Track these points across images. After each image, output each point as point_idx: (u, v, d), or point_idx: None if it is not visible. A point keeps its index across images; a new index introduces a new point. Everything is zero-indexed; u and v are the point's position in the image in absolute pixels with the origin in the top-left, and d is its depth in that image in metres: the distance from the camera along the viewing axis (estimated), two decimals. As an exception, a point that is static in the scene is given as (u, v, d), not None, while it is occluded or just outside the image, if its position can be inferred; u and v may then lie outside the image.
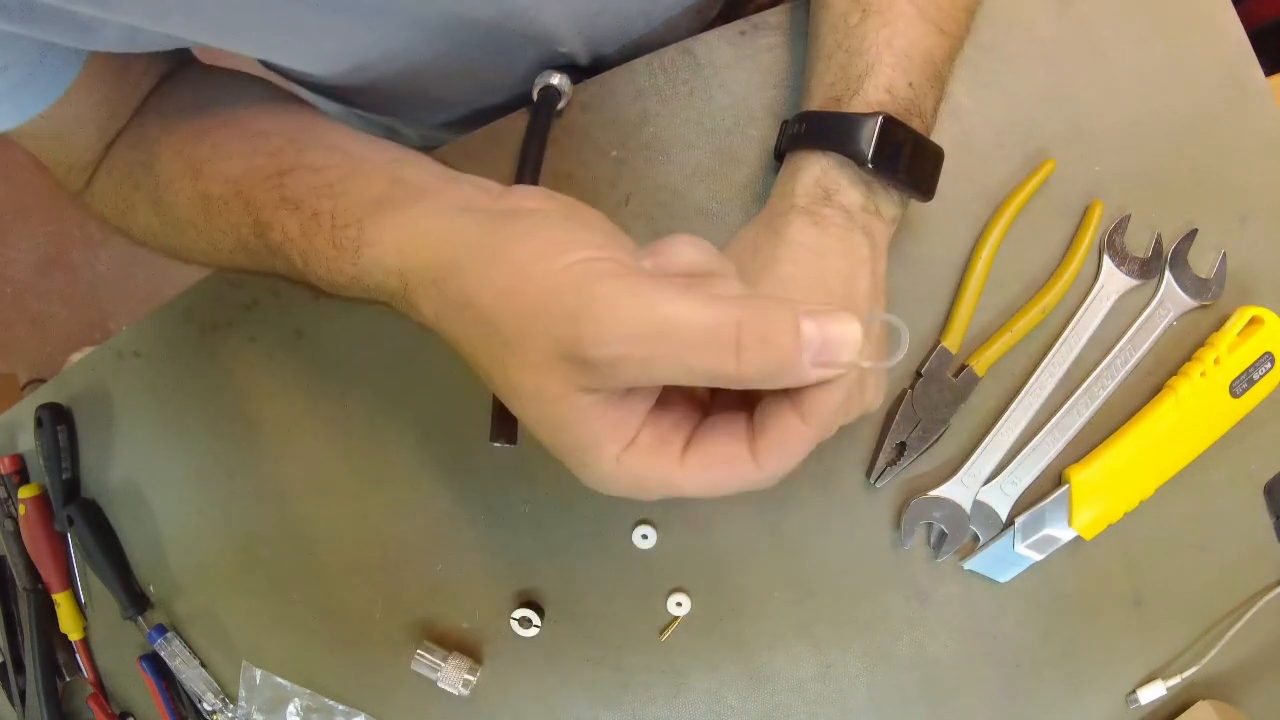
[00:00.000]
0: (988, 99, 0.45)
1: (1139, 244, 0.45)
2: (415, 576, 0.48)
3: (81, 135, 0.40)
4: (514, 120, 0.47)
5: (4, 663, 0.53)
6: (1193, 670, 0.45)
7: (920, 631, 0.47)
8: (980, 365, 0.44)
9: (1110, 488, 0.44)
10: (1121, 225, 0.45)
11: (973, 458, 0.45)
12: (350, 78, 0.43)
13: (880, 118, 0.37)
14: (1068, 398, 0.45)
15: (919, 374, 0.45)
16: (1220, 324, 0.45)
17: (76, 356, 1.47)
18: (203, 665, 0.51)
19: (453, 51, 0.43)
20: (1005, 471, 0.45)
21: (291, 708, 0.50)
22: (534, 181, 0.45)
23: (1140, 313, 0.45)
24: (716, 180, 0.46)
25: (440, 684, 0.47)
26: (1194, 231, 0.45)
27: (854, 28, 0.39)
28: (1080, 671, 0.46)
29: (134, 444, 0.51)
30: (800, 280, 0.37)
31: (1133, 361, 0.45)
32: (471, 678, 0.47)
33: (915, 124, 0.38)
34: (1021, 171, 0.45)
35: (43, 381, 0.79)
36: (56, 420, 0.51)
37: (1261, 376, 0.44)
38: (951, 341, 0.44)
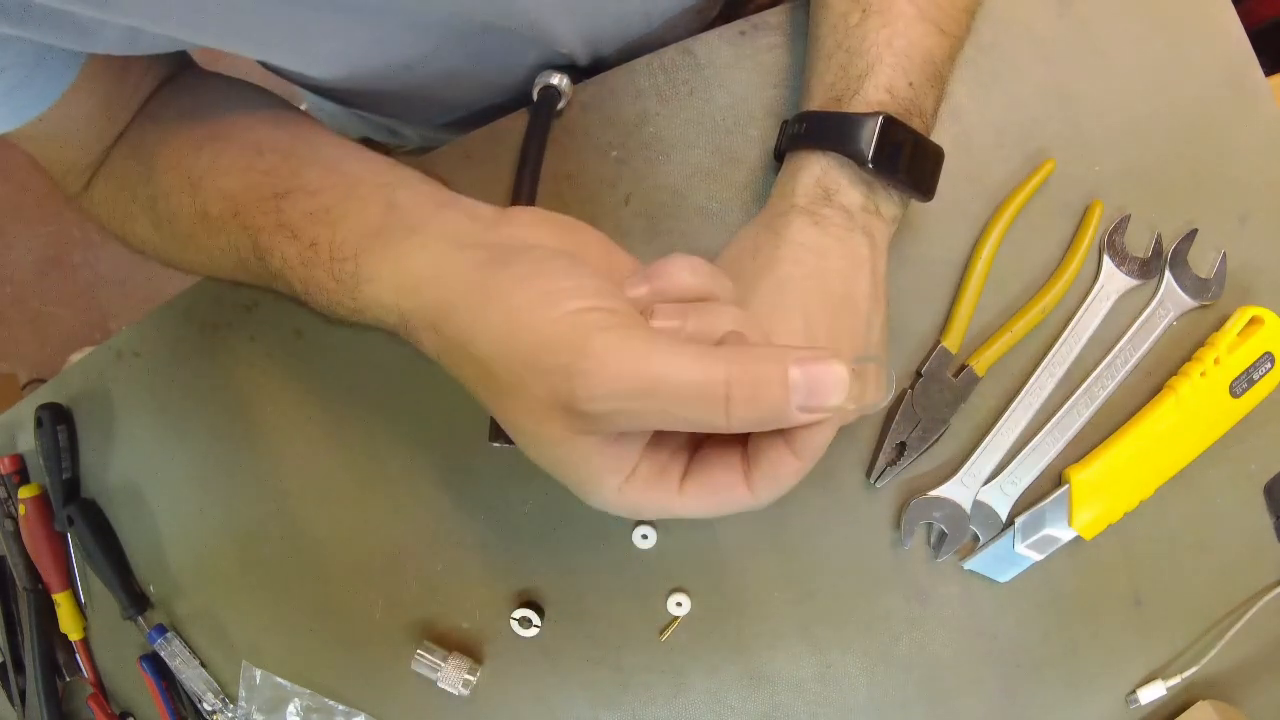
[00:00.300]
0: (988, 99, 0.45)
1: (1139, 244, 0.45)
2: (415, 576, 0.48)
3: (79, 138, 0.40)
4: (514, 120, 0.47)
5: (4, 663, 0.53)
6: (1193, 670, 0.45)
7: (920, 631, 0.47)
8: (980, 365, 0.44)
9: (1110, 488, 0.44)
10: (1121, 225, 0.45)
11: (973, 458, 0.45)
12: (350, 79, 0.43)
13: (880, 118, 0.37)
14: (1068, 398, 0.45)
15: (919, 374, 0.45)
16: (1220, 324, 0.45)
17: (76, 356, 1.47)
18: (203, 665, 0.51)
19: (452, 53, 0.43)
20: (1005, 471, 0.45)
21: (291, 708, 0.50)
22: (534, 182, 0.45)
23: (1140, 313, 0.45)
24: (716, 180, 0.46)
25: (440, 684, 0.47)
26: (1194, 231, 0.45)
27: (854, 28, 0.39)
28: (1080, 671, 0.46)
29: (134, 444, 0.51)
30: (800, 281, 0.37)
31: (1133, 361, 0.45)
32: (471, 678, 0.47)
33: (915, 124, 0.38)
34: (1021, 171, 0.45)
35: (43, 381, 0.79)
36: (56, 420, 0.51)
37: (1261, 376, 0.44)
38: (951, 341, 0.44)
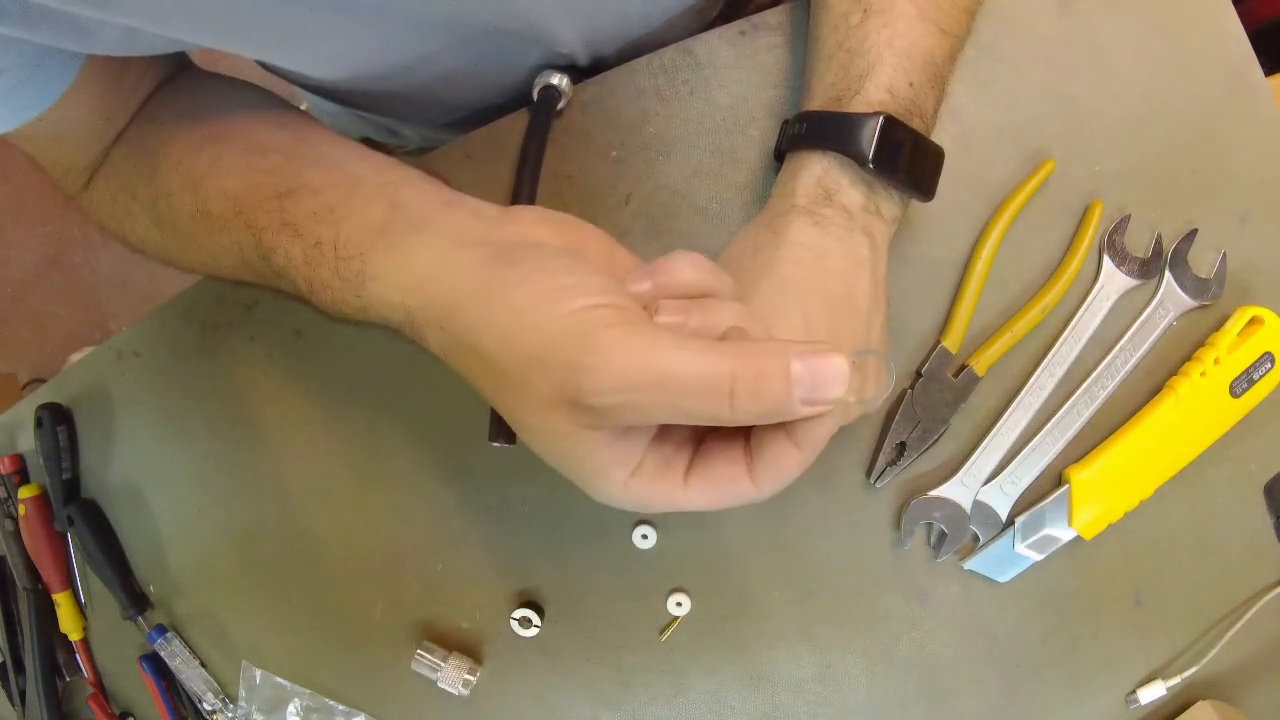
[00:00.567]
0: (988, 99, 0.45)
1: (1139, 244, 0.45)
2: (415, 576, 0.48)
3: (78, 138, 0.40)
4: (514, 120, 0.47)
5: (4, 663, 0.53)
6: (1193, 670, 0.45)
7: (920, 631, 0.47)
8: (980, 365, 0.44)
9: (1110, 488, 0.44)
10: (1121, 225, 0.45)
11: (973, 458, 0.45)
12: (351, 80, 0.43)
13: (881, 118, 0.37)
14: (1068, 398, 0.45)
15: (919, 374, 0.45)
16: (1220, 324, 0.45)
17: (76, 356, 1.47)
18: (203, 665, 0.51)
19: (452, 53, 0.43)
20: (1005, 471, 0.45)
21: (291, 708, 0.50)
22: (534, 182, 0.45)
23: (1140, 313, 0.45)
24: (716, 180, 0.46)
25: (440, 684, 0.47)
26: (1194, 231, 0.45)
27: (855, 28, 0.39)
28: (1080, 671, 0.46)
29: (134, 444, 0.51)
30: (800, 281, 0.37)
31: (1133, 361, 0.45)
32: (471, 678, 0.47)
33: (916, 124, 0.38)
34: (1021, 171, 0.45)
35: (43, 381, 0.79)
36: (56, 420, 0.51)
37: (1261, 376, 0.44)
38: (951, 341, 0.44)
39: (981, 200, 0.45)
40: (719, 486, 0.30)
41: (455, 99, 0.52)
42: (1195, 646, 0.46)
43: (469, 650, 0.48)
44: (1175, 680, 0.45)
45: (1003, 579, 0.46)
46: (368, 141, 0.69)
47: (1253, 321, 0.44)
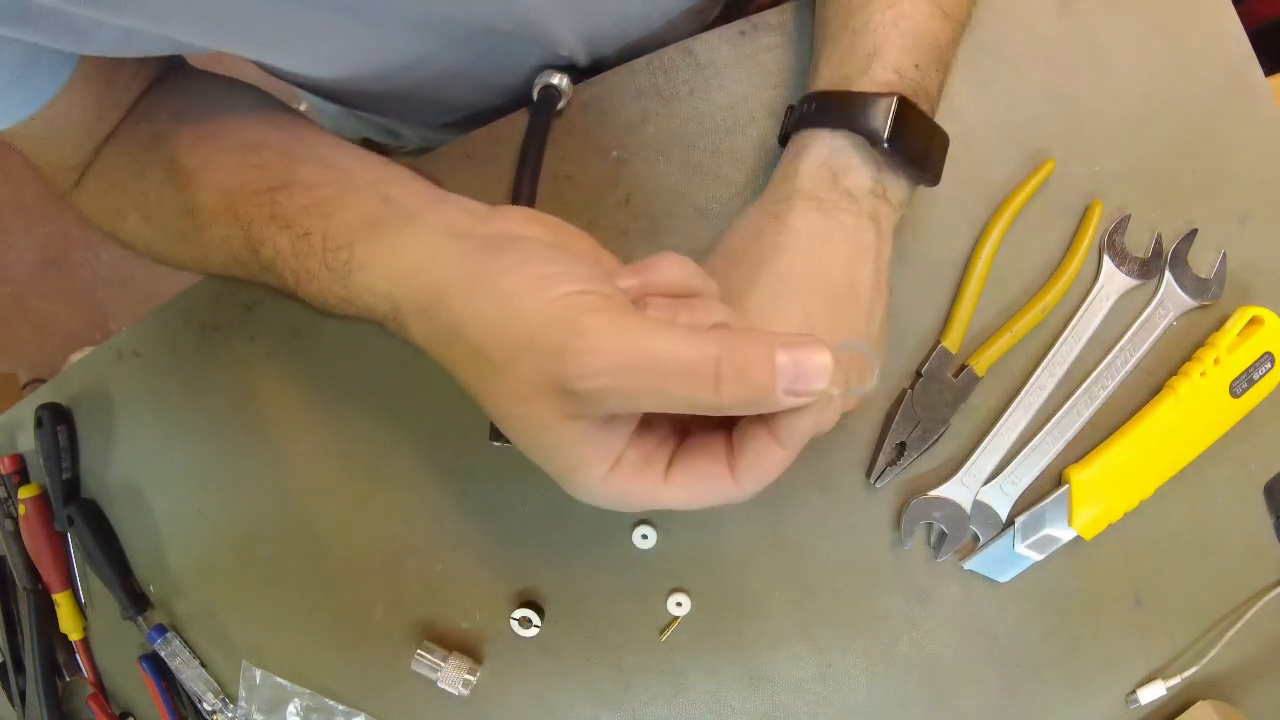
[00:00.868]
0: (988, 99, 0.45)
1: (1139, 244, 0.45)
2: (415, 576, 0.48)
3: (71, 137, 0.40)
4: (514, 120, 0.47)
5: (4, 663, 0.53)
6: (1193, 670, 0.45)
7: (920, 631, 0.47)
8: (980, 365, 0.44)
9: (1110, 488, 0.44)
10: (1121, 225, 0.45)
11: (973, 458, 0.45)
12: (350, 80, 0.43)
13: (896, 96, 0.36)
14: (1068, 398, 0.45)
15: (919, 374, 0.45)
16: (1220, 324, 0.45)
17: (76, 356, 1.47)
18: (203, 665, 0.51)
19: (452, 52, 0.43)
20: (1005, 471, 0.45)
21: (291, 708, 0.50)
22: (534, 182, 0.45)
23: (1140, 313, 0.45)
24: (716, 180, 0.46)
25: (440, 684, 0.47)
26: (1194, 231, 0.45)
27: (859, 9, 0.39)
28: (1080, 671, 0.46)
29: (134, 444, 0.51)
30: (800, 274, 0.37)
31: (1133, 361, 0.45)
32: (471, 678, 0.47)
33: (923, 106, 0.38)
34: (1021, 171, 0.45)
35: (43, 381, 0.79)
36: (56, 420, 0.51)
37: (1261, 376, 0.44)
38: (951, 341, 0.44)
39: (981, 200, 0.45)
40: (700, 483, 0.30)
41: (455, 99, 0.52)
42: (1195, 646, 0.46)
43: (469, 650, 0.48)
44: (1175, 680, 0.45)
45: (1003, 579, 0.46)
46: (367, 142, 0.69)
47: (1253, 321, 0.44)
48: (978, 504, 0.45)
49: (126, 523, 0.51)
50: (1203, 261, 0.45)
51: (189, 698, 0.51)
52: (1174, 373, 0.45)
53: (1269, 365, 0.44)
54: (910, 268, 0.45)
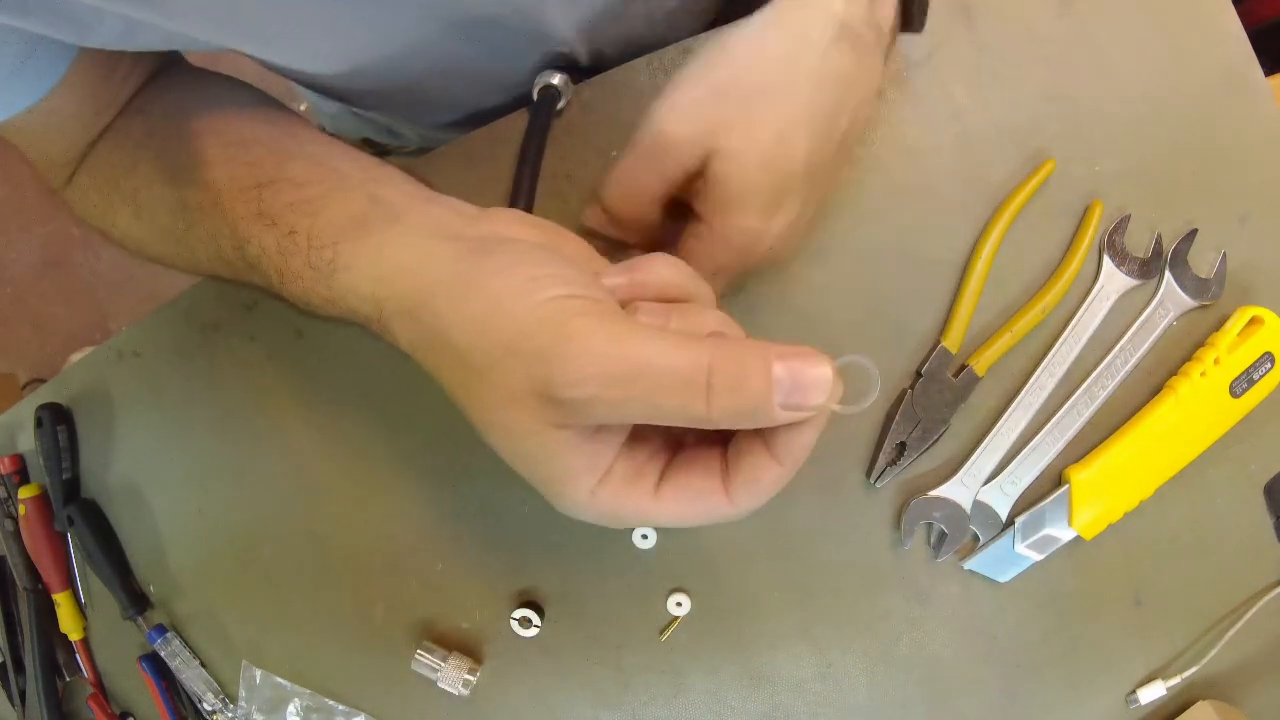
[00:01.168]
0: (988, 99, 0.45)
1: (1139, 244, 0.45)
2: (415, 576, 0.48)
3: (65, 132, 0.40)
4: (514, 120, 0.47)
5: (4, 663, 0.53)
6: (1193, 670, 0.45)
7: (920, 631, 0.47)
8: (980, 365, 0.44)
9: (1110, 488, 0.44)
10: (1121, 225, 0.45)
11: (973, 458, 0.45)
12: (350, 77, 0.43)
13: None
14: (1068, 398, 0.45)
15: (919, 374, 0.45)
16: (1220, 324, 0.45)
17: (76, 356, 1.47)
18: (203, 665, 0.51)
19: (453, 49, 0.43)
20: (1005, 471, 0.45)
21: (291, 708, 0.50)
22: (534, 182, 0.45)
23: (1140, 313, 0.45)
24: (716, 180, 0.46)
25: (440, 684, 0.47)
26: (1194, 231, 0.45)
27: None
28: (1080, 671, 0.46)
29: (134, 444, 0.51)
30: (819, 113, 0.34)
31: (1133, 361, 0.45)
32: (471, 678, 0.47)
33: None
34: (1021, 171, 0.45)
35: (43, 381, 0.79)
36: (56, 420, 0.51)
37: (1261, 376, 0.44)
38: (951, 341, 0.44)
39: (981, 200, 0.45)
40: (693, 499, 0.28)
41: (455, 98, 0.52)
42: (1195, 646, 0.46)
43: (469, 650, 0.48)
44: (1175, 680, 0.45)
45: (1003, 579, 0.46)
46: (367, 142, 0.69)
47: (1253, 321, 0.44)
48: (978, 504, 0.45)
49: (126, 523, 0.51)
50: (1203, 261, 0.45)
51: (189, 698, 0.51)
52: (1174, 373, 0.45)
53: (1269, 365, 0.44)
54: (910, 268, 0.45)
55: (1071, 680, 0.47)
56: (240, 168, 0.37)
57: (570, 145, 0.47)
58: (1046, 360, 0.45)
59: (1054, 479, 0.46)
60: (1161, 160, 0.45)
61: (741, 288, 0.45)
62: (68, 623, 0.52)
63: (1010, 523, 0.45)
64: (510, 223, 0.34)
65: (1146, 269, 0.45)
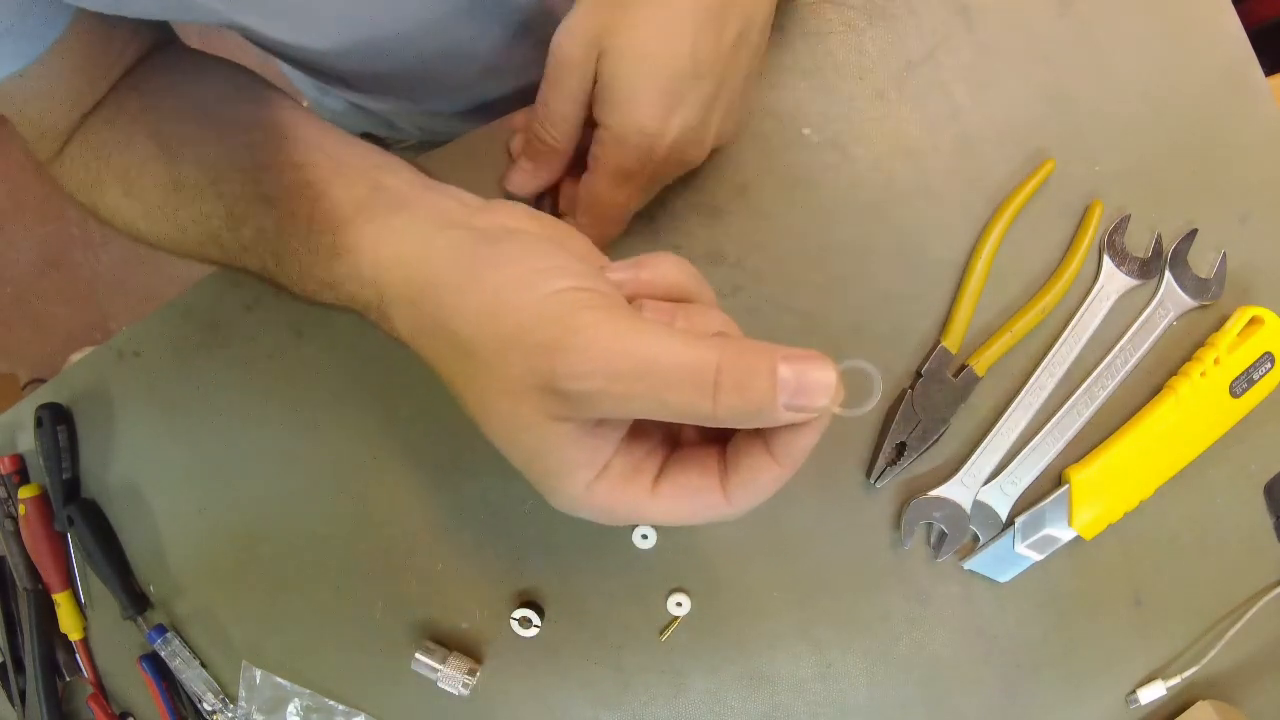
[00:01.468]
0: (988, 99, 0.45)
1: (1139, 244, 0.45)
2: (415, 576, 0.48)
3: (56, 101, 0.39)
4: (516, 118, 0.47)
5: (4, 663, 0.53)
6: (1193, 670, 0.45)
7: (920, 631, 0.47)
8: (980, 365, 0.44)
9: (1110, 488, 0.44)
10: (1121, 225, 0.45)
11: (973, 458, 0.45)
12: (355, 55, 0.42)
13: None
14: (1068, 398, 0.45)
15: (919, 374, 0.45)
16: (1220, 324, 0.45)
17: (76, 356, 1.47)
18: (203, 665, 0.51)
19: (463, 30, 0.42)
20: (1005, 471, 0.45)
21: (291, 708, 0.50)
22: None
23: (1140, 313, 0.45)
24: (717, 179, 0.46)
25: (440, 684, 0.47)
26: (1194, 231, 0.45)
27: None
28: (1080, 671, 0.46)
29: (134, 444, 0.51)
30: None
31: (1133, 361, 0.45)
32: (471, 678, 0.47)
33: None
34: (1021, 171, 0.45)
35: (43, 381, 0.79)
36: (56, 420, 0.51)
37: (1261, 376, 0.44)
38: (951, 341, 0.44)
39: (981, 200, 0.45)
40: (690, 498, 0.28)
41: (458, 82, 0.51)
42: (1195, 646, 0.46)
43: (469, 650, 0.48)
44: (1175, 680, 0.45)
45: (1003, 579, 0.46)
46: (366, 136, 0.69)
47: (1253, 321, 0.44)
48: (978, 504, 0.45)
49: (126, 523, 0.51)
50: (1203, 261, 0.45)
51: (189, 698, 0.51)
52: (1174, 373, 0.45)
53: (1269, 365, 0.44)
54: (910, 268, 0.45)
55: (1071, 680, 0.47)
56: (238, 148, 0.37)
57: (570, 145, 0.47)
58: (1046, 360, 0.45)
59: (1054, 479, 0.46)
60: (1161, 160, 0.45)
61: (653, 197, 0.43)
62: (68, 623, 0.52)
63: (1010, 523, 0.45)
64: (515, 215, 0.34)
65: (1146, 269, 0.45)
